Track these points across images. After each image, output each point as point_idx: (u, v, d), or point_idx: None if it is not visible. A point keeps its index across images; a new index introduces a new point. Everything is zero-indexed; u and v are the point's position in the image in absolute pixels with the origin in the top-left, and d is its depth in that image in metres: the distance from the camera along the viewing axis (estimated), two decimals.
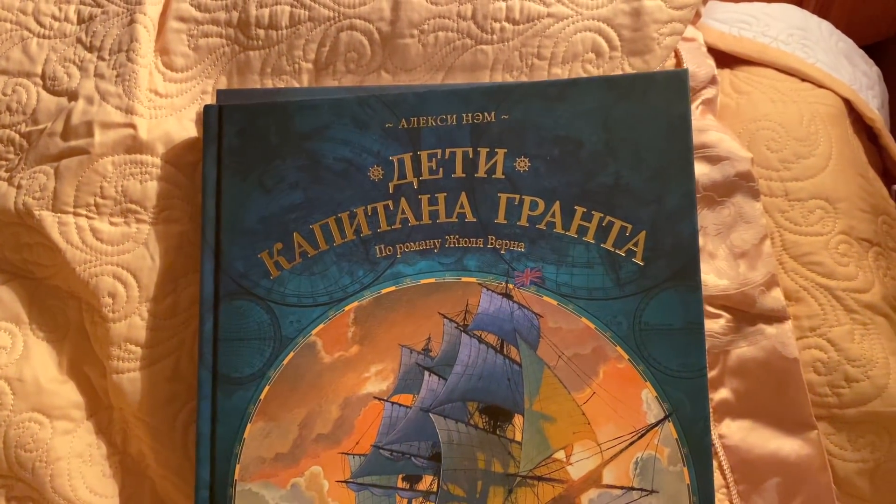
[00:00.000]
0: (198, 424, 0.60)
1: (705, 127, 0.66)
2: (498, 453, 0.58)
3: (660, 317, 0.58)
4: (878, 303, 0.65)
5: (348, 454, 0.59)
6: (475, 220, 0.60)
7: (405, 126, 0.62)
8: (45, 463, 0.65)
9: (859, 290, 0.65)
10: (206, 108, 0.64)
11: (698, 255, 0.58)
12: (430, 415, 0.59)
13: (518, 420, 0.58)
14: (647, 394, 0.57)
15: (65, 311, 0.69)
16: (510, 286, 0.59)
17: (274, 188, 0.62)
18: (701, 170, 0.65)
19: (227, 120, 0.64)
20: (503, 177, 0.61)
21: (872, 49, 0.90)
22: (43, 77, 0.72)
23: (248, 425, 0.60)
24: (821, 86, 0.74)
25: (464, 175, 0.61)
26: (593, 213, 0.59)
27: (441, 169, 0.61)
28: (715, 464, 0.61)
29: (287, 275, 0.61)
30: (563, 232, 0.59)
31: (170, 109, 0.70)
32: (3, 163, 0.71)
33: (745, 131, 0.70)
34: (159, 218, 0.67)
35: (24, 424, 0.66)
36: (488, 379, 0.58)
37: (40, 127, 0.70)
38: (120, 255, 0.67)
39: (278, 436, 0.60)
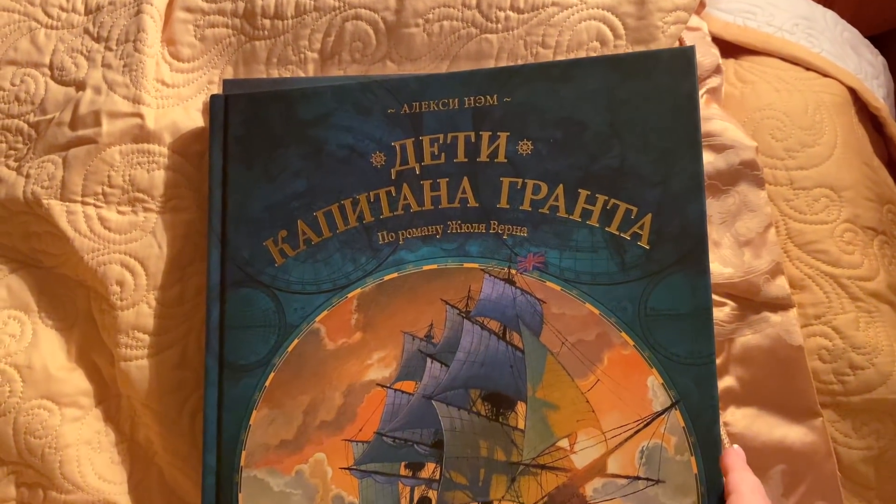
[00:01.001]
0: (204, 411, 0.60)
1: (710, 116, 0.65)
2: (500, 441, 0.56)
3: (666, 302, 0.56)
4: (883, 291, 0.64)
5: (351, 441, 0.58)
6: (477, 205, 0.59)
7: (407, 111, 0.61)
8: (55, 449, 0.64)
9: (864, 278, 0.64)
10: (213, 97, 0.64)
11: (706, 238, 0.56)
12: (433, 402, 0.57)
13: (521, 407, 0.56)
14: (653, 381, 0.55)
15: (73, 299, 0.69)
16: (513, 272, 0.58)
17: (278, 176, 0.61)
18: (706, 158, 0.63)
19: (233, 109, 0.63)
20: (505, 161, 0.59)
21: (878, 40, 0.89)
22: (51, 67, 0.72)
23: (254, 412, 0.59)
24: (826, 75, 0.73)
25: (466, 160, 0.60)
26: (597, 196, 0.57)
27: (443, 154, 0.60)
28: None
29: (291, 262, 0.60)
30: (566, 216, 0.58)
31: (176, 99, 0.69)
32: (12, 152, 0.70)
33: (749, 120, 0.69)
34: (166, 207, 0.67)
35: (34, 411, 0.65)
36: (490, 366, 0.57)
37: (48, 117, 0.70)
38: (127, 243, 0.66)
39: (283, 423, 0.59)
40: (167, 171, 0.67)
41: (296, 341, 0.59)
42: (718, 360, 0.61)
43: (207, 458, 0.59)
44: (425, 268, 0.59)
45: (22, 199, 0.68)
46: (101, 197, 0.67)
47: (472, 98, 0.60)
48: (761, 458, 0.61)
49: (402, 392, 0.58)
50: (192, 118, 0.68)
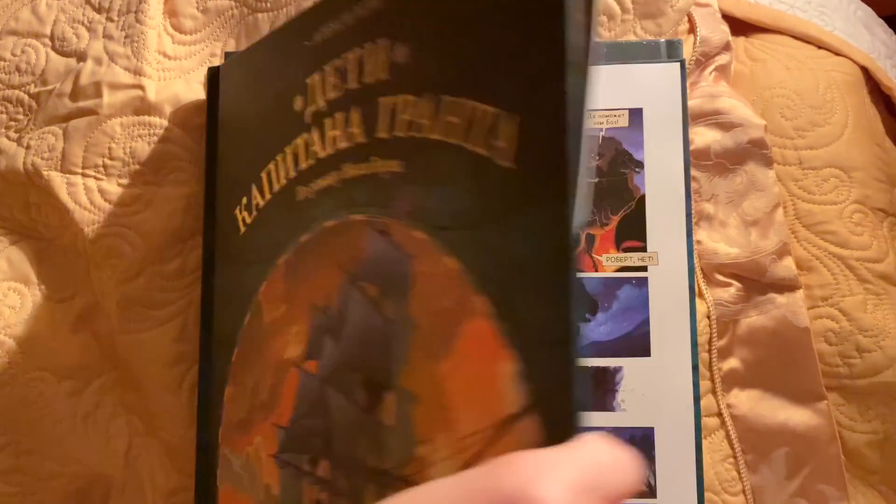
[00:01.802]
0: (199, 385, 0.58)
1: (718, 93, 0.63)
2: (374, 440, 0.43)
3: (524, 248, 0.37)
4: (891, 273, 0.62)
5: (277, 426, 0.50)
6: (365, 140, 0.46)
7: (319, 40, 0.50)
8: (53, 421, 0.63)
9: (873, 259, 0.62)
10: (209, 70, 0.62)
11: (572, 162, 0.35)
12: (326, 386, 0.47)
13: (391, 398, 0.42)
14: (510, 368, 0.36)
15: (73, 271, 0.67)
16: (386, 221, 0.44)
17: (246, 142, 0.58)
18: (713, 136, 0.62)
19: (222, 80, 0.61)
20: (387, 77, 0.44)
21: (892, 20, 0.86)
22: (52, 38, 0.70)
23: (227, 388, 0.56)
24: (838, 53, 0.70)
25: (358, 85, 0.47)
26: (463, 102, 0.41)
27: (340, 83, 0.48)
28: (722, 433, 0.59)
29: (249, 230, 0.56)
30: (434, 137, 0.42)
31: (178, 72, 0.68)
32: (13, 123, 0.69)
33: (759, 99, 0.66)
34: (167, 180, 0.65)
35: (33, 383, 0.64)
36: (368, 343, 0.44)
37: (49, 87, 0.68)
38: (128, 216, 0.64)
39: (241, 401, 0.54)
40: (168, 143, 0.65)
41: (248, 315, 0.54)
42: (723, 342, 0.59)
43: (200, 432, 0.58)
44: (326, 224, 0.49)
45: (22, 170, 0.66)
46: (101, 169, 0.65)
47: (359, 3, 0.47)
48: (765, 440, 0.59)
49: (309, 373, 0.48)
50: (194, 91, 0.66)
